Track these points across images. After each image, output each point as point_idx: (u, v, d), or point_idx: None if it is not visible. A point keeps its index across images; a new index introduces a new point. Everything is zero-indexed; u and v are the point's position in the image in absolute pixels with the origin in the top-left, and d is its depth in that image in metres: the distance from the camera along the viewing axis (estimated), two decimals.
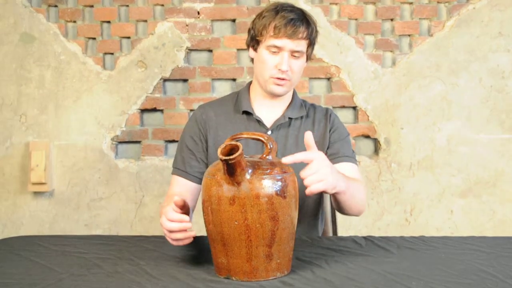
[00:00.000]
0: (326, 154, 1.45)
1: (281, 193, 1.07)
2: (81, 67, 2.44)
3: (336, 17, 2.43)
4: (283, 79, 1.42)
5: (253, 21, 1.47)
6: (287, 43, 1.39)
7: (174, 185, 1.51)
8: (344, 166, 1.45)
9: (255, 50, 1.47)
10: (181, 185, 1.49)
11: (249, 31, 1.49)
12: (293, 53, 1.41)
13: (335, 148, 1.50)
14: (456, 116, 2.42)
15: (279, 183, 1.07)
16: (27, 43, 2.43)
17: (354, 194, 1.33)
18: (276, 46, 1.40)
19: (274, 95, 1.48)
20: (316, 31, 1.46)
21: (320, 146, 1.49)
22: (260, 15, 1.45)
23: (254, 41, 1.46)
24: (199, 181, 1.48)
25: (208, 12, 2.43)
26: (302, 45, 1.41)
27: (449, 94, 2.42)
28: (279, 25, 1.38)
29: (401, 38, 2.44)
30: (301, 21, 1.40)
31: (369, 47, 2.44)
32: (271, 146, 1.13)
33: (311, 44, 1.45)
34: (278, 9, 1.42)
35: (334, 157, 1.47)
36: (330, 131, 1.52)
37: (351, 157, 1.50)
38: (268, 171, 1.07)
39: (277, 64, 1.41)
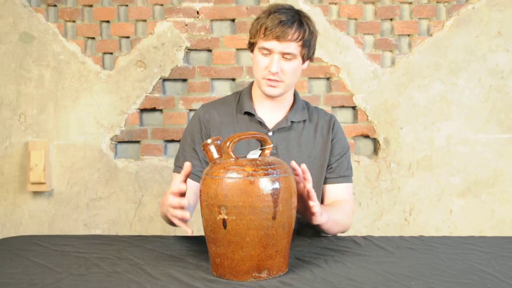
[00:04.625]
0: (327, 165, 1.52)
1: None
2: (80, 66, 2.44)
3: (336, 17, 2.43)
4: (274, 80, 1.42)
5: (252, 23, 1.47)
6: (275, 45, 1.39)
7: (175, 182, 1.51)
8: (338, 189, 1.53)
9: (251, 51, 1.49)
10: None
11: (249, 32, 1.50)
12: (284, 55, 1.41)
13: (333, 167, 1.53)
14: (455, 116, 2.42)
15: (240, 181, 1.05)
16: (26, 43, 2.43)
17: (335, 223, 1.40)
18: (265, 48, 1.40)
19: (269, 96, 1.48)
20: (312, 32, 1.43)
21: (322, 153, 1.52)
22: (257, 17, 1.45)
23: (250, 43, 1.48)
24: (200, 180, 1.47)
25: (208, 12, 2.42)
26: (292, 47, 1.40)
27: (448, 94, 2.42)
28: (268, 26, 1.38)
29: (401, 38, 2.44)
30: (292, 22, 1.38)
31: (369, 47, 2.44)
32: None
33: (305, 45, 1.42)
34: (271, 11, 1.41)
35: (331, 177, 1.53)
36: (332, 141, 1.54)
37: (347, 176, 1.54)
38: (235, 167, 1.07)
39: (267, 66, 1.41)
